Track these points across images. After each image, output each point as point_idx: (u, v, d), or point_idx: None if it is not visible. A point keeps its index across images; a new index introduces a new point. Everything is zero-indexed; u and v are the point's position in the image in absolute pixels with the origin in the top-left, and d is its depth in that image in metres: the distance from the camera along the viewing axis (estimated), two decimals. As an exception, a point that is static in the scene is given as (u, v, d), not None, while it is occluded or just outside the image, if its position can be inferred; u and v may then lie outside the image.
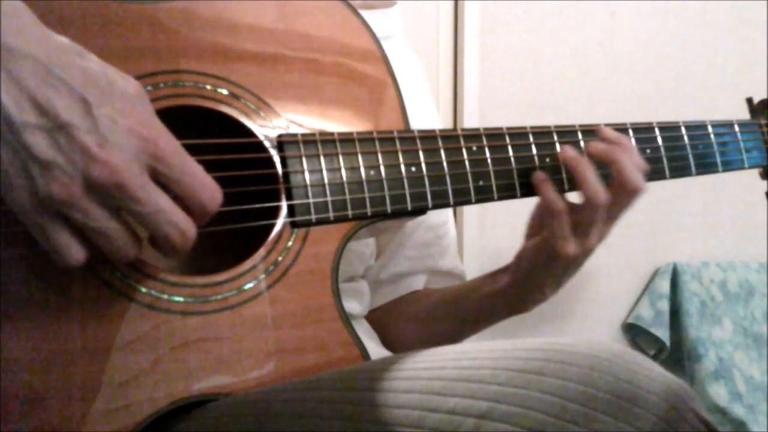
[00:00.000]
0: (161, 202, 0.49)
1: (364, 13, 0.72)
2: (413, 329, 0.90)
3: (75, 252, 0.49)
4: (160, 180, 0.50)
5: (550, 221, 0.72)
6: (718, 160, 0.87)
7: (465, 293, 0.87)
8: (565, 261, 0.73)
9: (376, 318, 0.91)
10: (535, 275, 0.76)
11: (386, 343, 0.88)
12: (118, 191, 0.47)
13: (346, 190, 0.65)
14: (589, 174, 0.72)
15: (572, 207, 0.73)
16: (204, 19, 0.63)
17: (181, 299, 0.58)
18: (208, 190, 0.52)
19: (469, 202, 0.72)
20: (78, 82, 0.47)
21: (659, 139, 0.82)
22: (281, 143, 0.64)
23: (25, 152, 0.45)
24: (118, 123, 0.48)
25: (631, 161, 0.72)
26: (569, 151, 0.73)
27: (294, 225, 0.63)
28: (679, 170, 0.84)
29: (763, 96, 0.98)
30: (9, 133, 0.45)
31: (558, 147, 0.76)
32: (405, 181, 0.68)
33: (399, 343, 0.90)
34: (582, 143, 0.77)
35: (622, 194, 0.72)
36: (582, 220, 0.72)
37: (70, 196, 0.46)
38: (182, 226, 0.50)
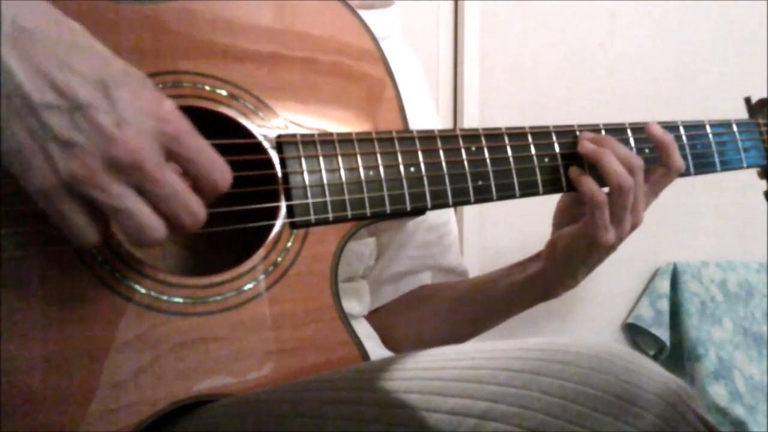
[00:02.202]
0: (177, 183, 0.49)
1: (362, 12, 0.72)
2: (434, 324, 0.91)
3: (91, 234, 0.49)
4: (175, 159, 0.50)
5: (591, 212, 0.75)
6: (717, 159, 0.88)
7: (492, 282, 0.89)
8: (603, 249, 0.77)
9: (379, 318, 0.91)
10: (571, 262, 0.80)
11: (392, 342, 0.88)
12: (137, 171, 0.47)
13: (345, 191, 0.65)
14: (613, 162, 0.75)
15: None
16: (203, 19, 0.63)
17: (180, 300, 0.58)
18: (220, 170, 0.52)
19: (468, 203, 0.72)
20: (95, 63, 0.48)
21: None
22: (280, 144, 0.64)
23: (44, 132, 0.45)
24: (135, 104, 0.48)
25: (612, 160, 0.75)
26: (588, 145, 0.76)
27: (293, 225, 0.63)
28: None
29: (763, 96, 0.98)
30: (28, 113, 0.45)
31: (557, 147, 0.77)
32: (404, 181, 0.68)
33: (414, 341, 0.90)
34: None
35: (613, 194, 0.75)
36: (615, 207, 0.75)
37: (91, 174, 0.46)
38: (194, 208, 0.50)
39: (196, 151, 0.51)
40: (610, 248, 0.78)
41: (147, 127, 0.48)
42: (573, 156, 0.77)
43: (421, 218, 0.72)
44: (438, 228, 0.95)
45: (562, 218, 0.83)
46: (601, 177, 0.76)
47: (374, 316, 0.92)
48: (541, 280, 0.83)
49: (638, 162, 0.77)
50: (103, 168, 0.46)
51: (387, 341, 0.89)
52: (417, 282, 0.95)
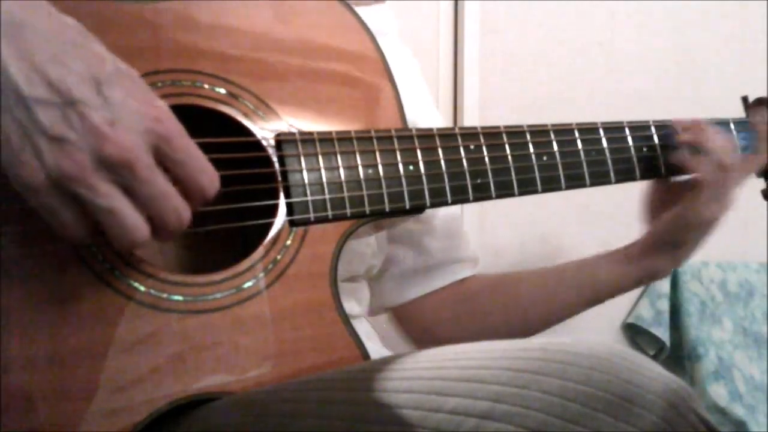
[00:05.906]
0: (165, 184, 0.49)
1: (357, 8, 0.71)
2: (525, 312, 0.94)
3: (79, 229, 0.48)
4: (164, 161, 0.50)
5: (700, 190, 0.82)
6: (714, 158, 0.88)
7: (591, 265, 0.92)
8: (711, 224, 0.85)
9: (412, 312, 0.93)
10: (679, 240, 0.86)
11: (434, 337, 0.89)
12: (127, 170, 0.47)
13: (345, 189, 0.65)
14: (717, 141, 0.83)
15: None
16: (201, 19, 0.63)
17: (180, 298, 0.58)
18: (208, 175, 0.52)
19: (467, 201, 0.72)
20: (89, 60, 0.47)
21: (655, 137, 0.83)
22: (279, 142, 0.64)
23: (34, 127, 0.45)
24: (128, 103, 0.48)
25: (716, 142, 0.83)
26: (685, 135, 0.83)
27: (292, 224, 0.63)
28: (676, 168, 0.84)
29: (762, 95, 0.97)
30: (19, 107, 0.45)
31: (555, 145, 0.77)
32: (403, 179, 0.68)
33: (504, 330, 0.92)
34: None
35: (726, 169, 0.83)
36: (726, 181, 0.83)
37: (80, 172, 0.46)
38: (180, 210, 0.50)
39: (186, 153, 0.50)
40: (717, 222, 0.84)
41: (139, 127, 0.48)
42: (571, 154, 0.77)
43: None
44: (456, 219, 0.97)
45: (655, 209, 0.88)
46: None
47: (401, 310, 0.93)
48: (647, 263, 0.88)
49: (736, 143, 0.86)
50: (92, 166, 0.46)
51: (424, 337, 0.90)
52: (453, 275, 0.95)
